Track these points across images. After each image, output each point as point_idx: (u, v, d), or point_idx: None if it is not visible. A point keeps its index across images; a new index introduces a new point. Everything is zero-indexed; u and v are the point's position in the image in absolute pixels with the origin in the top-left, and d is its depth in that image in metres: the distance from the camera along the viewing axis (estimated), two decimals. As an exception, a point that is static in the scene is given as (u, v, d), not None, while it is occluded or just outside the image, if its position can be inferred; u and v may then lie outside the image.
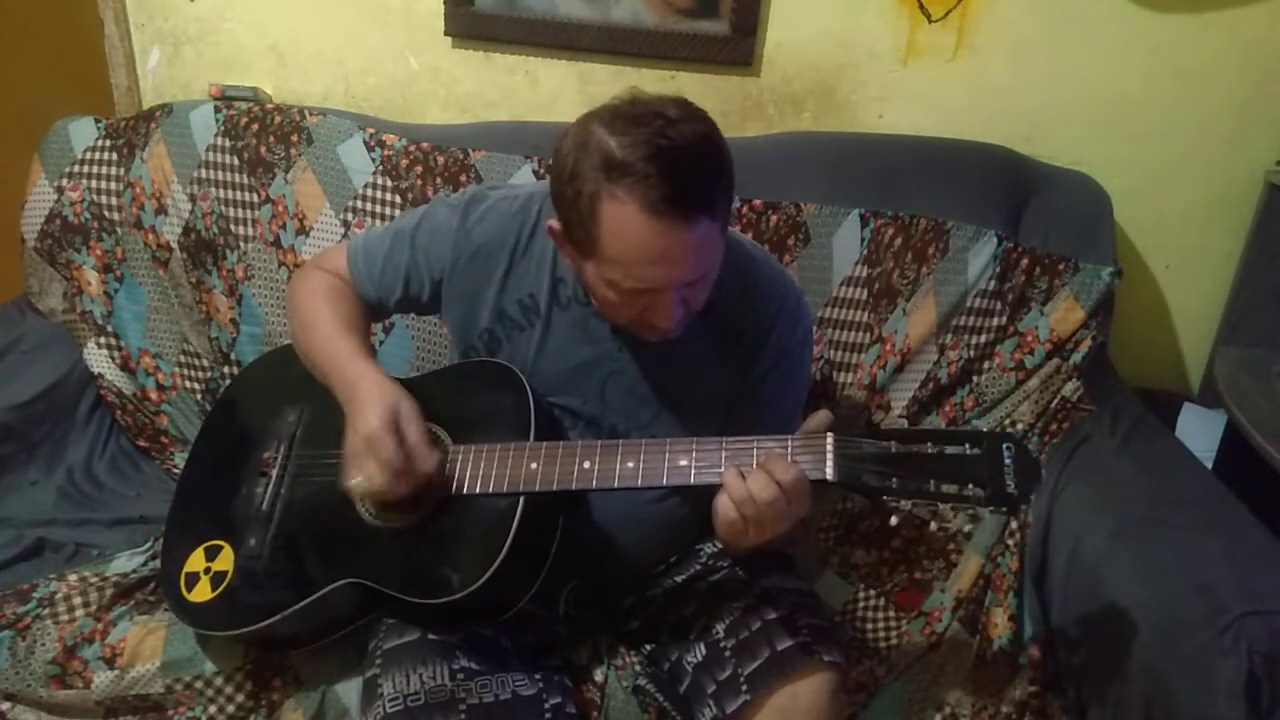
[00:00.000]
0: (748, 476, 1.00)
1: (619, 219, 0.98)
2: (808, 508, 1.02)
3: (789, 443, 1.02)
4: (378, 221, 1.73)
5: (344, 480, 1.10)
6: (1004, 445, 0.95)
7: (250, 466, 1.29)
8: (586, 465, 1.08)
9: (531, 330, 1.23)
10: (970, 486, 0.94)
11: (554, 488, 1.08)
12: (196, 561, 1.25)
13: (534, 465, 1.09)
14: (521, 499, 1.08)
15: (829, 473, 0.99)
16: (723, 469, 1.03)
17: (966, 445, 0.95)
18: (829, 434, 1.01)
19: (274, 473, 1.27)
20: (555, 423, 1.21)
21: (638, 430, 1.23)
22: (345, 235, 1.73)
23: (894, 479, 0.96)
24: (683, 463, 1.05)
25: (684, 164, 0.97)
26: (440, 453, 1.12)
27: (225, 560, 1.23)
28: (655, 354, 1.20)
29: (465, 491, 1.11)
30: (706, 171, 1.00)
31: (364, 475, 1.08)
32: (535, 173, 1.71)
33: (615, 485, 1.07)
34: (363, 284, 1.28)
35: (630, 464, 1.07)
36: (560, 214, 1.06)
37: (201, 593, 1.22)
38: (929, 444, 0.96)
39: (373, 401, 1.08)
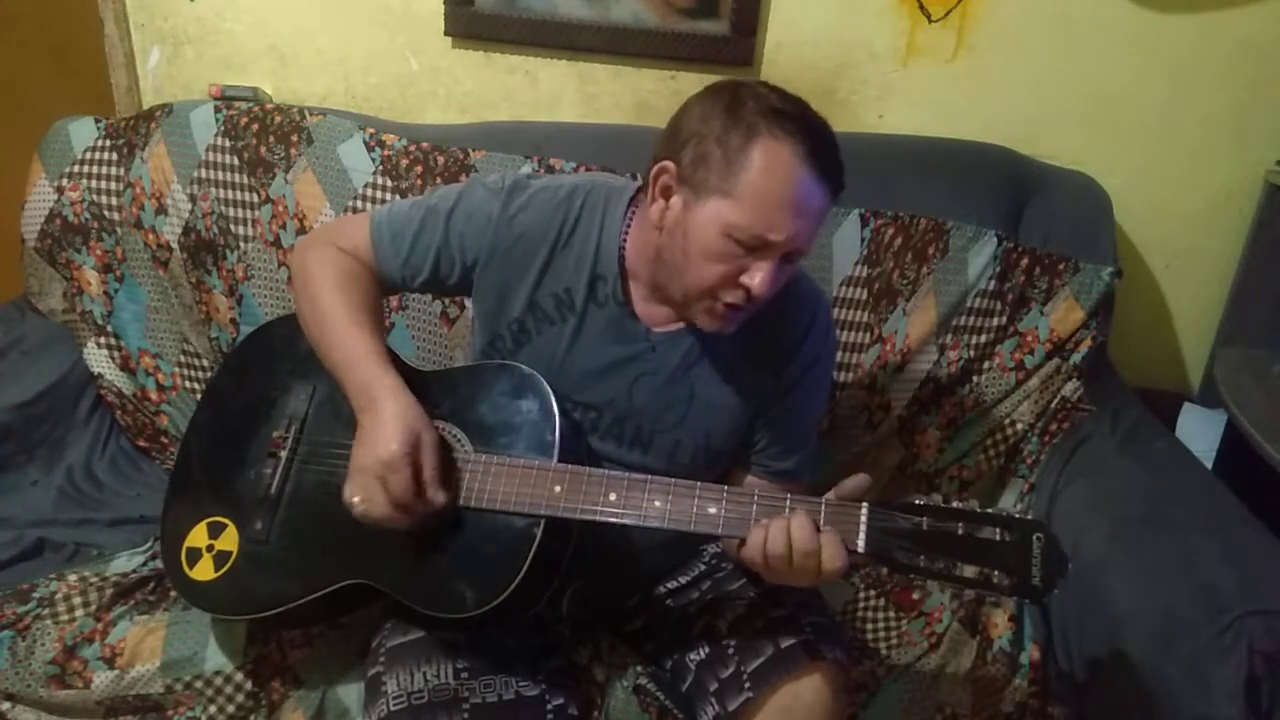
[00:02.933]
0: (793, 534, 0.99)
1: (773, 156, 1.02)
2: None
3: (822, 506, 1.01)
4: (378, 221, 1.72)
5: (345, 494, 1.07)
6: (1035, 535, 0.95)
7: (258, 443, 1.26)
8: (613, 498, 1.06)
9: (563, 325, 1.20)
10: (996, 574, 0.94)
11: (577, 516, 1.06)
12: (199, 537, 1.23)
13: (558, 488, 1.07)
14: (542, 522, 1.06)
15: (860, 545, 0.99)
16: (752, 522, 1.02)
17: (998, 530, 0.95)
18: (864, 505, 1.00)
19: (283, 454, 1.23)
20: (578, 438, 1.18)
21: (662, 433, 1.21)
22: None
23: (922, 557, 0.96)
24: (712, 510, 1.04)
25: (831, 141, 1.06)
26: (451, 493, 1.09)
27: (229, 540, 1.22)
28: (688, 357, 1.19)
29: (485, 506, 1.08)
30: (840, 159, 1.07)
31: (366, 499, 1.05)
32: (535, 172, 1.71)
33: (641, 524, 1.05)
34: (386, 261, 1.21)
35: (658, 503, 1.05)
36: (689, 152, 1.06)
37: (204, 571, 1.21)
38: (960, 524, 0.96)
39: (394, 422, 1.04)
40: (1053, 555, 0.94)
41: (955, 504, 0.98)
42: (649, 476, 1.07)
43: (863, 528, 0.99)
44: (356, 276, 1.20)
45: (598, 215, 1.20)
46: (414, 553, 1.11)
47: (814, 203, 1.04)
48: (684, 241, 1.07)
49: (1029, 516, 0.96)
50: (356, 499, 1.05)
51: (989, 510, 0.97)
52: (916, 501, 0.98)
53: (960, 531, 0.96)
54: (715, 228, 1.04)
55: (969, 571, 0.95)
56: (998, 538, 0.95)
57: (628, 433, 1.21)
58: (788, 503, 1.02)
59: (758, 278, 1.05)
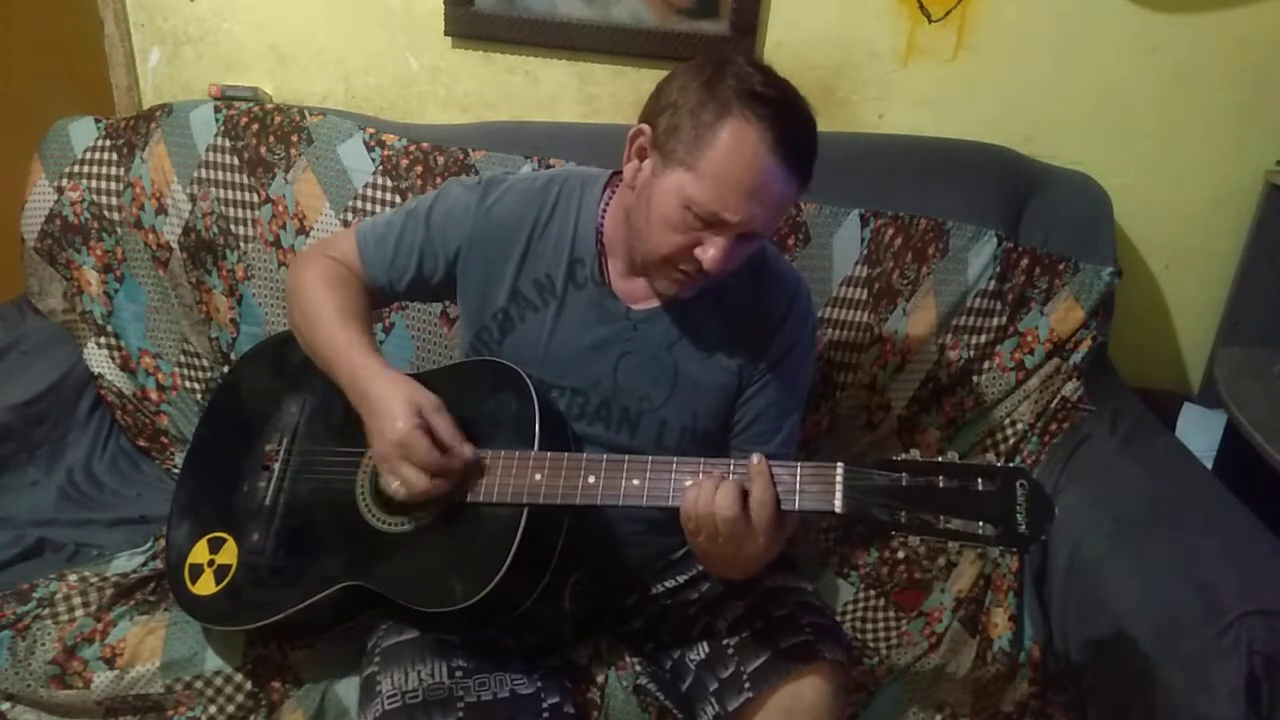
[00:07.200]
0: (717, 490, 0.98)
1: (740, 137, 1.02)
2: (770, 538, 0.99)
3: (798, 470, 0.99)
4: (378, 221, 1.72)
5: (385, 488, 1.09)
6: (1018, 482, 0.92)
7: (253, 458, 1.28)
8: (591, 480, 1.06)
9: (545, 310, 1.22)
10: (981, 524, 0.91)
11: (558, 501, 1.06)
12: (200, 553, 1.25)
13: (538, 476, 1.07)
14: (525, 510, 1.07)
15: (837, 505, 0.96)
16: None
17: (979, 480, 0.93)
18: (839, 464, 0.97)
19: (276, 467, 1.26)
20: (560, 427, 1.19)
21: (649, 413, 1.22)
22: (345, 235, 1.73)
23: (903, 513, 0.93)
24: (688, 484, 1.03)
25: (805, 129, 1.07)
26: (476, 440, 1.10)
27: (229, 554, 1.23)
28: (669, 334, 1.21)
29: (469, 499, 1.09)
30: (814, 148, 1.08)
31: (402, 481, 1.06)
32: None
33: (620, 503, 1.06)
34: (373, 267, 1.25)
35: (635, 482, 1.05)
36: (664, 120, 1.07)
37: (205, 586, 1.22)
38: (941, 477, 0.93)
39: (393, 401, 1.06)
40: (1038, 501, 0.92)
41: (937, 458, 0.95)
42: (626, 456, 1.07)
43: (839, 487, 0.96)
44: (345, 281, 1.24)
45: (574, 200, 1.23)
46: (404, 552, 1.12)
47: (774, 189, 1.04)
48: (647, 206, 1.09)
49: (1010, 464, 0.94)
50: (394, 485, 1.07)
51: (969, 461, 0.94)
52: (894, 458, 0.96)
53: (941, 484, 0.93)
54: (675, 198, 1.06)
55: (952, 524, 0.92)
56: (980, 487, 0.92)
57: (615, 414, 1.22)
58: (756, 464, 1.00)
59: (710, 253, 1.06)
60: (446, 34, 1.89)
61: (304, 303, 1.21)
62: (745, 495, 0.98)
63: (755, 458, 0.99)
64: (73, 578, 1.38)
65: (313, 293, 1.21)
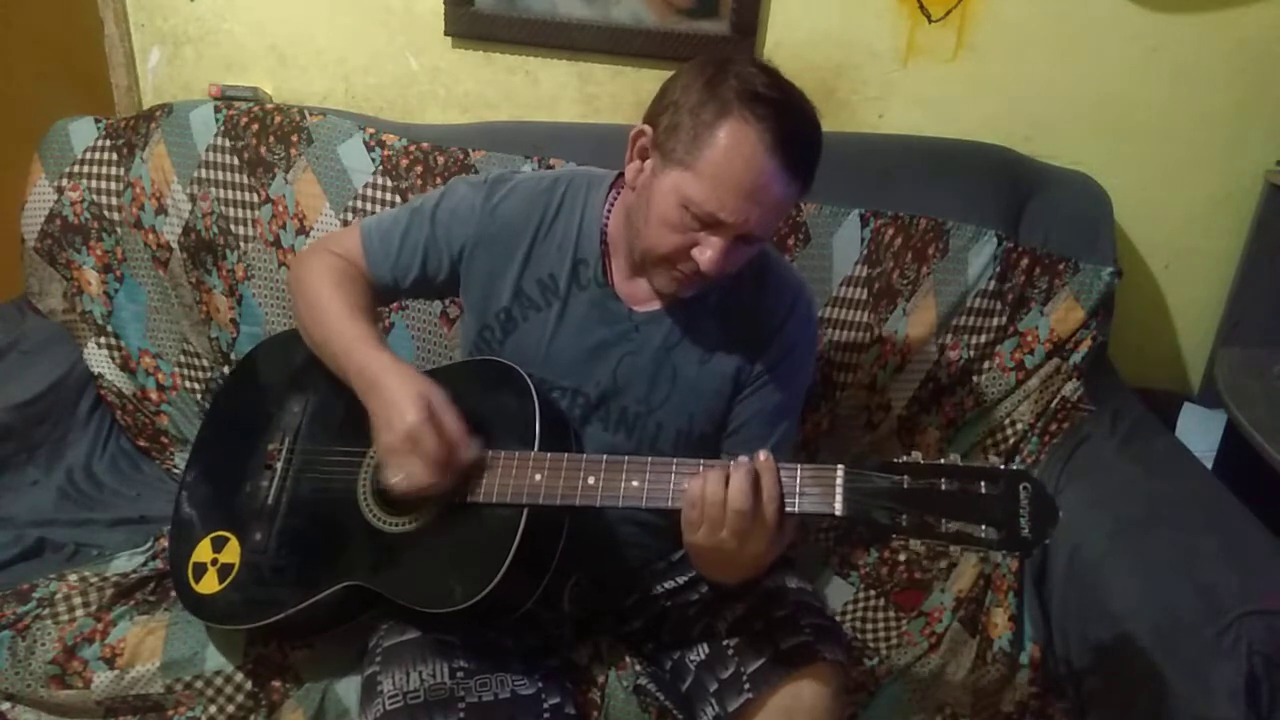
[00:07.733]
0: (729, 478, 0.97)
1: (738, 138, 1.02)
2: (771, 540, 0.98)
3: (798, 471, 0.99)
4: (378, 221, 1.72)
5: (384, 479, 1.08)
6: (1021, 485, 0.90)
7: (255, 458, 1.28)
8: (591, 481, 1.06)
9: (549, 310, 1.22)
10: (983, 528, 0.90)
11: (557, 502, 1.06)
12: (203, 552, 1.25)
13: (538, 477, 1.07)
14: (525, 511, 1.07)
15: (838, 508, 0.95)
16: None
17: (982, 483, 0.91)
18: (840, 466, 0.96)
19: (279, 466, 1.26)
20: (561, 426, 1.19)
21: (648, 413, 1.22)
22: (345, 235, 1.73)
23: (904, 516, 0.92)
24: (685, 485, 1.02)
25: (807, 131, 1.07)
26: (480, 439, 1.09)
27: (232, 553, 1.24)
28: (670, 337, 1.21)
29: (469, 499, 1.09)
30: (816, 151, 1.08)
31: (406, 474, 1.05)
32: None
33: (619, 504, 1.05)
34: (377, 264, 1.25)
35: (635, 483, 1.04)
36: (665, 119, 1.07)
37: (209, 584, 1.23)
38: (943, 480, 0.92)
39: (404, 394, 1.06)
40: (1041, 504, 0.90)
41: (939, 461, 0.93)
42: (626, 457, 1.06)
43: (839, 490, 0.96)
44: (352, 277, 1.24)
45: (579, 201, 1.23)
46: (404, 552, 1.12)
47: (772, 191, 1.04)
48: (646, 206, 1.10)
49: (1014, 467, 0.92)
50: (397, 479, 1.05)
51: (972, 464, 0.93)
52: (896, 460, 0.94)
53: (943, 487, 0.92)
54: (674, 198, 1.06)
55: (954, 527, 0.91)
56: (983, 490, 0.91)
57: (613, 414, 1.22)
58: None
59: (707, 254, 1.06)
60: (446, 34, 1.89)
61: (311, 297, 1.21)
62: (758, 486, 0.97)
63: (762, 454, 0.98)
64: (73, 578, 1.38)
65: (320, 288, 1.21)
